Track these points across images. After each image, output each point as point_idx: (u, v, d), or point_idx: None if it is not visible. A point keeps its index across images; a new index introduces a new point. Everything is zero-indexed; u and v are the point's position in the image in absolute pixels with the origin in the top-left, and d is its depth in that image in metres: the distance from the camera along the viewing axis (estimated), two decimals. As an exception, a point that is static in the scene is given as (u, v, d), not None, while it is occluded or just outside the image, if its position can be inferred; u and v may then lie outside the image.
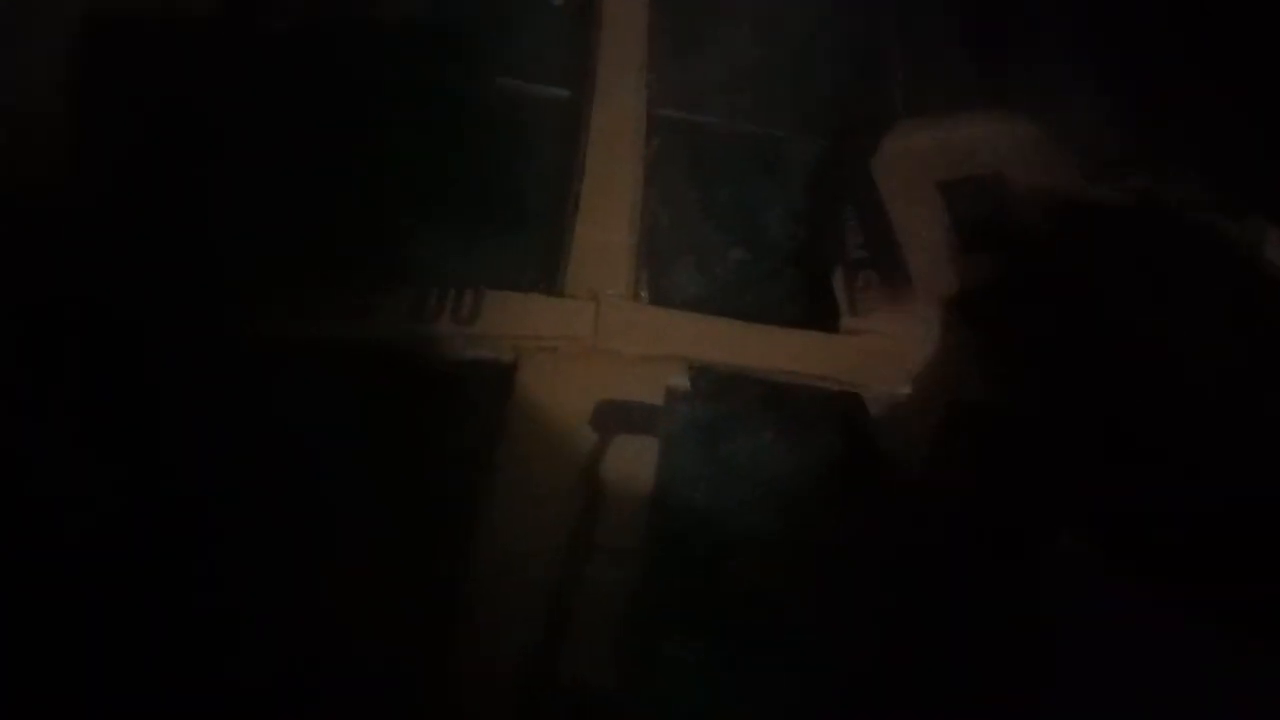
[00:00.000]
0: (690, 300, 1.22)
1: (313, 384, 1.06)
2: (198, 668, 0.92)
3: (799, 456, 1.14)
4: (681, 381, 1.12)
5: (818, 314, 1.21)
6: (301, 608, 0.96)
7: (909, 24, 1.49)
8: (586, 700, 0.93)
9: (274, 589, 0.97)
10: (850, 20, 1.49)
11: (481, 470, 1.03)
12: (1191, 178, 1.23)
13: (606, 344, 1.12)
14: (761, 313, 1.20)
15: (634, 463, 1.05)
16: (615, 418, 1.08)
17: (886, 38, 1.48)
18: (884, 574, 1.05)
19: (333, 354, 1.08)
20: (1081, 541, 0.99)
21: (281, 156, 1.22)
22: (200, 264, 1.11)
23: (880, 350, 1.16)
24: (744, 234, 1.30)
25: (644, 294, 1.19)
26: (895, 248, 1.21)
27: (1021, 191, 1.25)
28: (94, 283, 1.07)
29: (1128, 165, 1.26)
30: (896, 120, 1.34)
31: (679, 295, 1.23)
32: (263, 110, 1.25)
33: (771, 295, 1.26)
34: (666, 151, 1.33)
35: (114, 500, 0.99)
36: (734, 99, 1.41)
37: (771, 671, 1.00)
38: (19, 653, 0.89)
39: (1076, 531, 0.99)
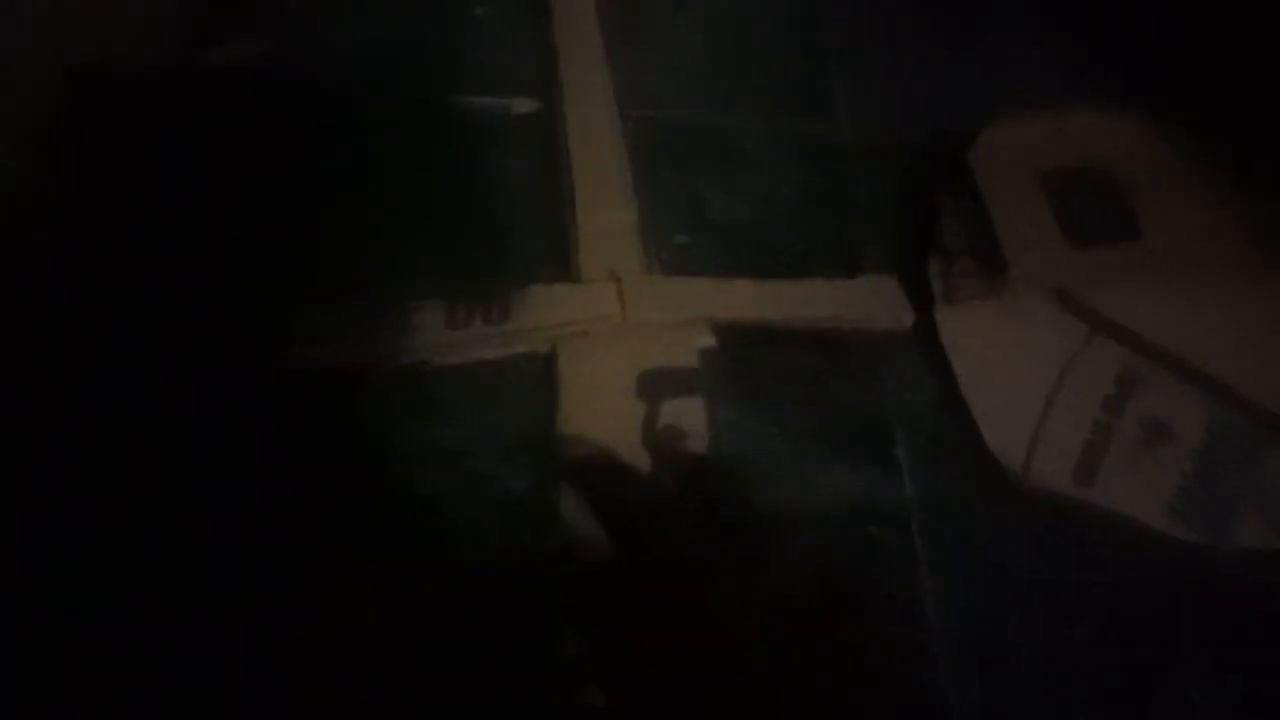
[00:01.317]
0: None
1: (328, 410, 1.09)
2: (195, 676, 0.93)
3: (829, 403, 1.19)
4: (710, 340, 1.18)
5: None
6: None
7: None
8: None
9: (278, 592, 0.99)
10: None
11: (541, 460, 1.09)
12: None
13: (635, 318, 1.18)
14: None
15: (685, 420, 1.11)
16: (658, 384, 1.14)
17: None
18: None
19: (348, 379, 1.11)
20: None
21: (262, 191, 1.23)
22: (191, 305, 1.12)
23: (882, 290, 1.25)
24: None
25: (659, 265, 1.24)
26: (993, 236, 1.21)
27: (1129, 187, 1.26)
28: (70, 335, 1.06)
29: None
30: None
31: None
32: (237, 149, 1.25)
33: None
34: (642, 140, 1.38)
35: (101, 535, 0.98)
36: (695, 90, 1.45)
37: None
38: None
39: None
